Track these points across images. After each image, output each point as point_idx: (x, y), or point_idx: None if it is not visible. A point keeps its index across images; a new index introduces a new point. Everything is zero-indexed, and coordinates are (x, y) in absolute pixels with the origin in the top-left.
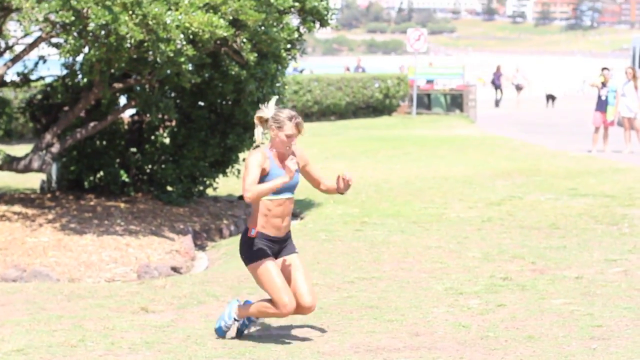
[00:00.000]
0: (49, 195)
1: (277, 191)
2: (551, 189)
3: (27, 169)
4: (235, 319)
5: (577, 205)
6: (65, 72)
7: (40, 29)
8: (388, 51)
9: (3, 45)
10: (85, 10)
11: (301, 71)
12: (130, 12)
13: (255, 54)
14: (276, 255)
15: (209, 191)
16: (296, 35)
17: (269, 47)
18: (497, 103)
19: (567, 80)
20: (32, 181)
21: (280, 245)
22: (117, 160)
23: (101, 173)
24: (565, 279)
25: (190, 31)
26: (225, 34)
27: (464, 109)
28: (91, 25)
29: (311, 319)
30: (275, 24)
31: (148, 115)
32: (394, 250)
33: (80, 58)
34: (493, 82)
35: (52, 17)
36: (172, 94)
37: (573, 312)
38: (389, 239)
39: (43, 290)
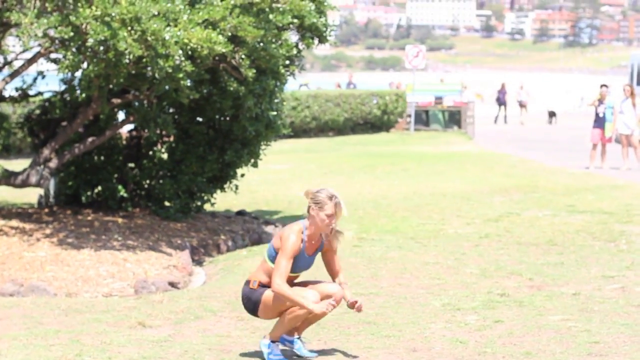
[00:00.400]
0: (46, 210)
1: (297, 270)
2: (549, 206)
3: (25, 184)
4: (272, 341)
5: (575, 222)
6: (63, 87)
7: (39, 45)
8: (386, 67)
9: (2, 61)
10: (84, 26)
11: (305, 84)
12: (129, 28)
13: (254, 70)
14: None
15: (207, 206)
16: (295, 51)
17: (268, 64)
18: (504, 119)
19: (566, 97)
20: (30, 196)
21: None
22: (115, 175)
23: (99, 188)
24: (563, 296)
25: (188, 47)
26: (223, 50)
27: (462, 125)
28: (90, 41)
29: (309, 334)
30: (274, 40)
31: (146, 130)
32: (391, 266)
33: (79, 73)
34: (498, 99)
35: (51, 32)
36: (171, 110)
37: (570, 329)
38: (386, 254)
39: (40, 304)
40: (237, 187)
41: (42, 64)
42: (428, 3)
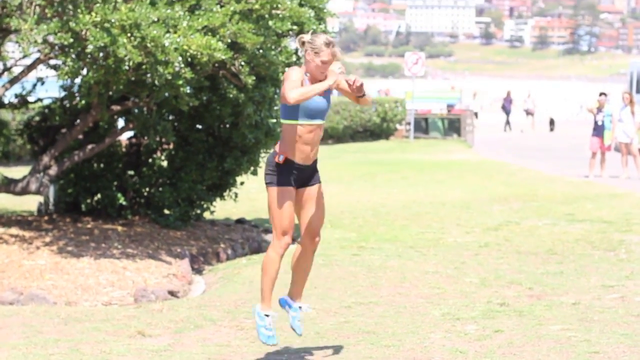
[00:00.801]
0: (46, 218)
1: (310, 115)
2: (548, 214)
3: (24, 191)
4: (266, 315)
5: (575, 231)
6: (63, 94)
7: (39, 51)
8: (386, 74)
9: (1, 67)
10: (83, 32)
11: None
12: (129, 35)
13: (254, 77)
14: (300, 185)
15: (207, 215)
16: (294, 58)
17: (267, 70)
18: (509, 127)
19: (565, 105)
20: (30, 203)
21: (305, 174)
22: (115, 183)
23: (99, 196)
24: (563, 305)
25: (188, 54)
26: (223, 57)
27: (461, 133)
28: (89, 48)
29: (308, 343)
30: (273, 47)
31: (146, 138)
32: (391, 275)
33: (78, 80)
34: (503, 107)
35: (51, 38)
36: (170, 117)
37: (570, 338)
38: (386, 263)
39: (40, 313)
40: (236, 195)
41: (41, 71)
42: (427, 10)
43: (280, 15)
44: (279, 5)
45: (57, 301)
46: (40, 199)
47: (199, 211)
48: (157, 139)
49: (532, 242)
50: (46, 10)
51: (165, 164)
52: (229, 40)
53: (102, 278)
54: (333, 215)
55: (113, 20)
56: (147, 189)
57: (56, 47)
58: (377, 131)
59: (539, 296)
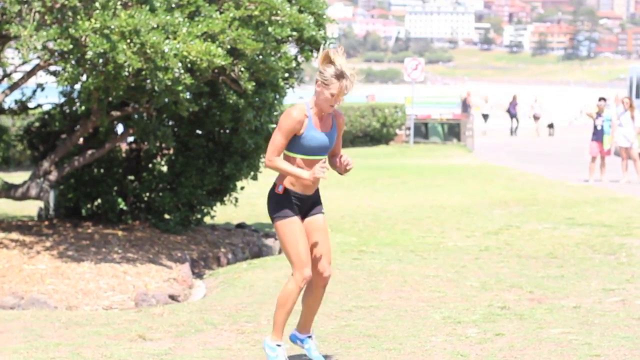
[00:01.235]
0: (46, 223)
1: (312, 152)
2: (549, 219)
3: (24, 197)
4: (278, 345)
5: (575, 235)
6: (63, 100)
7: (39, 57)
8: (385, 80)
9: (1, 73)
10: (83, 39)
11: None
12: (129, 41)
13: (253, 83)
14: (304, 215)
15: (207, 219)
16: (294, 64)
17: (267, 76)
18: (514, 131)
19: (566, 110)
20: (30, 209)
21: (307, 204)
22: (115, 188)
23: (99, 201)
24: (563, 309)
25: (188, 60)
26: (223, 63)
27: (461, 138)
28: (89, 54)
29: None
30: (273, 53)
31: (146, 143)
32: (391, 279)
33: (78, 86)
34: (509, 111)
35: (51, 45)
36: (170, 123)
37: (571, 342)
38: (386, 267)
39: (40, 317)
40: (237, 200)
41: (41, 77)
42: (427, 16)
43: (280, 22)
44: (279, 12)
45: (58, 305)
46: (40, 204)
47: (199, 216)
48: (157, 144)
49: (532, 246)
50: (46, 17)
51: (165, 169)
52: (229, 46)
53: (102, 282)
54: (334, 220)
55: (112, 27)
56: (148, 194)
57: (56, 54)
58: (377, 136)
59: (539, 300)
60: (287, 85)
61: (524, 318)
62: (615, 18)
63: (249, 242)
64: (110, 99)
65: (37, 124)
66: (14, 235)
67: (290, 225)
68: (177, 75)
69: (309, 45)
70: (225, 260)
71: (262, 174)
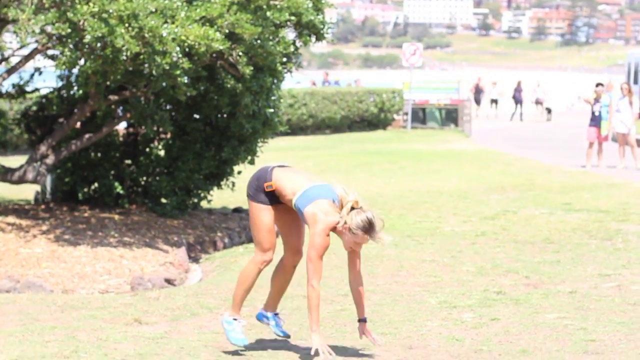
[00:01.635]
0: (43, 207)
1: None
2: (545, 204)
3: (21, 180)
4: (234, 319)
5: (571, 220)
6: (60, 83)
7: (37, 41)
8: (383, 65)
9: None
10: (81, 23)
11: (336, 81)
12: (127, 25)
13: (251, 68)
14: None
15: (204, 204)
16: (292, 49)
17: (265, 61)
18: (520, 117)
19: (563, 95)
20: (27, 192)
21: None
22: (112, 172)
23: (96, 185)
24: (559, 294)
25: (186, 44)
26: (221, 47)
27: (458, 123)
28: (87, 38)
29: (305, 331)
30: (271, 37)
31: (143, 127)
32: (388, 264)
33: (76, 70)
34: (514, 97)
35: (49, 29)
36: (168, 107)
37: (567, 327)
38: (383, 252)
39: (36, 301)
40: (233, 184)
41: (39, 61)
42: (425, 1)
43: (278, 6)
44: None
45: (54, 289)
46: (37, 187)
47: (196, 200)
48: (155, 128)
49: (529, 231)
50: (44, 1)
51: (162, 153)
52: (227, 31)
53: (98, 266)
54: None
55: (111, 11)
56: (145, 178)
57: (54, 37)
58: (374, 121)
59: (535, 285)
60: (285, 70)
61: (519, 303)
62: (614, 4)
63: (246, 227)
64: (108, 83)
65: (34, 108)
66: (11, 219)
67: (263, 211)
68: (175, 59)
69: (307, 29)
70: (222, 244)
71: (259, 159)
